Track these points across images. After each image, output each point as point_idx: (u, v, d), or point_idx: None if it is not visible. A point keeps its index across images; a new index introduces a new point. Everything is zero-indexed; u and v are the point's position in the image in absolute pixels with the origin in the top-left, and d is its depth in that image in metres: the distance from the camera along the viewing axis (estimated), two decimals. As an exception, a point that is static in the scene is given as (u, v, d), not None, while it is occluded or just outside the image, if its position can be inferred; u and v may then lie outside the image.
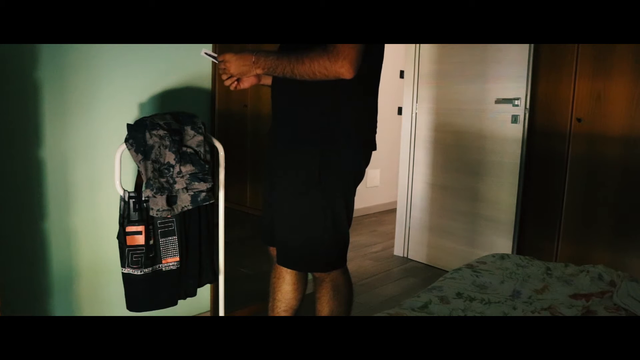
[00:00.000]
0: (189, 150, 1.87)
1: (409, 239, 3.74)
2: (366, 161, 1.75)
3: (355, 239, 4.23)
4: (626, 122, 2.62)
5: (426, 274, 3.39)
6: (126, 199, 1.83)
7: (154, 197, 1.79)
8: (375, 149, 1.75)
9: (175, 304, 1.97)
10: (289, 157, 1.67)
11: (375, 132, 1.75)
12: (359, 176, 1.73)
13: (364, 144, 1.70)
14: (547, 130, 2.91)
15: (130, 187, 1.93)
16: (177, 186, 1.84)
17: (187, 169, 1.84)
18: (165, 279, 1.91)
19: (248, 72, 1.65)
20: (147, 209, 1.83)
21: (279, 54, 1.61)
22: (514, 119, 3.00)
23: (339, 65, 1.47)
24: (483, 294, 1.69)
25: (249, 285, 2.70)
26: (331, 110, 1.62)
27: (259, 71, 1.63)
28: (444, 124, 3.43)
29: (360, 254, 3.80)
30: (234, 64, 1.65)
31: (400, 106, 5.17)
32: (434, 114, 3.51)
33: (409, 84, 3.65)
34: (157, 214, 1.81)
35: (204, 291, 2.35)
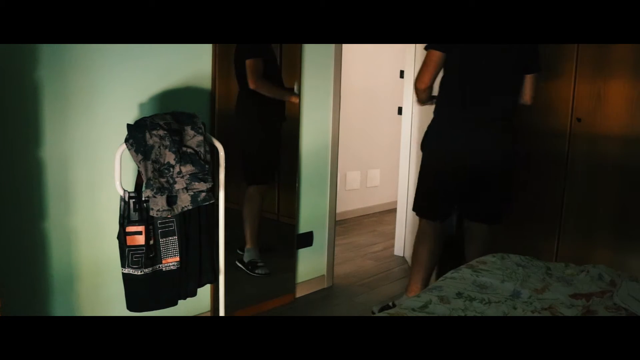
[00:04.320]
0: (189, 150, 1.87)
1: (409, 239, 3.74)
2: None
3: (355, 239, 4.23)
4: (626, 122, 2.62)
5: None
6: (126, 199, 1.83)
7: (154, 197, 1.79)
8: None
9: (176, 304, 1.97)
10: None
11: None
12: None
13: None
14: (547, 130, 2.91)
15: (131, 187, 1.92)
16: (177, 186, 1.84)
17: (187, 169, 1.84)
18: (166, 279, 1.91)
19: None
20: (147, 209, 1.83)
21: None
22: (514, 119, 2.99)
23: None
24: (483, 293, 1.69)
25: (249, 285, 2.70)
26: None
27: None
28: (444, 124, 3.43)
29: (361, 254, 3.80)
30: None
31: (400, 106, 5.17)
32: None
33: (409, 84, 3.65)
34: (157, 214, 1.81)
35: (204, 291, 2.35)
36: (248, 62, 2.49)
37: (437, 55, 2.34)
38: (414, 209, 2.64)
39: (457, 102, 2.41)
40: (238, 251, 2.69)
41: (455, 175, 2.42)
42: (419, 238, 2.55)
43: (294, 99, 2.73)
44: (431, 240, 2.50)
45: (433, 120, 2.50)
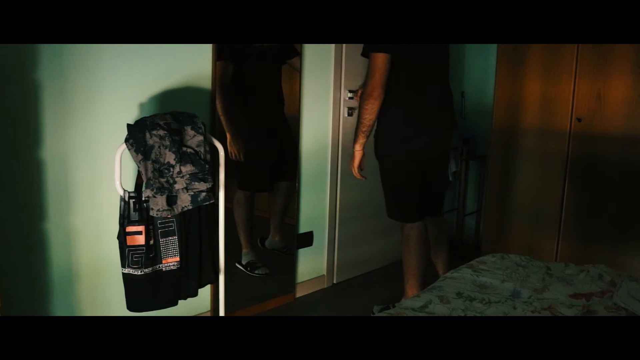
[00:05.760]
0: (189, 150, 1.87)
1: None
2: None
3: (355, 239, 4.22)
4: (626, 122, 2.62)
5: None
6: (126, 199, 1.83)
7: (154, 197, 1.80)
8: None
9: (176, 304, 1.97)
10: None
11: None
12: None
13: None
14: (547, 130, 2.91)
15: (131, 187, 1.92)
16: (177, 186, 1.84)
17: (187, 169, 1.84)
18: (166, 279, 1.91)
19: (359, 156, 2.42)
20: (147, 209, 1.83)
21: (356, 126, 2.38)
22: (514, 119, 2.99)
23: None
24: (483, 293, 1.69)
25: (249, 285, 2.70)
26: None
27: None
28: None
29: (360, 254, 3.79)
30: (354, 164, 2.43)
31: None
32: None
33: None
34: (157, 214, 1.81)
35: (204, 291, 2.35)
36: (217, 64, 2.35)
37: (383, 57, 2.22)
38: (392, 216, 2.53)
39: (404, 102, 2.35)
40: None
41: (418, 172, 2.41)
42: (406, 244, 2.48)
43: (231, 147, 2.48)
44: (417, 243, 2.45)
45: (382, 124, 2.39)
